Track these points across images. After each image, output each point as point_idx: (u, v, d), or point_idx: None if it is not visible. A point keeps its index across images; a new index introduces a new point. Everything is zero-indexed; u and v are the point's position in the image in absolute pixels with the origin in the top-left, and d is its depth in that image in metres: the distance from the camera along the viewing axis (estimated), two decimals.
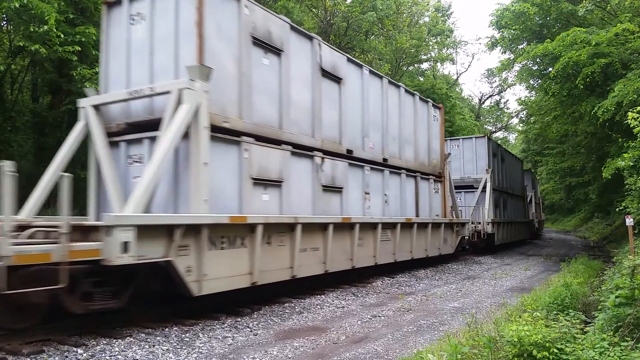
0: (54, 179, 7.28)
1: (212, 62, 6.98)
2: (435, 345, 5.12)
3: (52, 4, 11.60)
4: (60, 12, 12.15)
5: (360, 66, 11.16)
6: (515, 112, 48.93)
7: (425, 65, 35.60)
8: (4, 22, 15.54)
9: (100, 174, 7.52)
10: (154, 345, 5.38)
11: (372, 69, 11.81)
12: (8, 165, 4.86)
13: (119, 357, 4.96)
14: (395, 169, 12.29)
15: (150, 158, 6.59)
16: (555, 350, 3.93)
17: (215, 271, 6.58)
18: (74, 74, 12.48)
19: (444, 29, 34.70)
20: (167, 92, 6.68)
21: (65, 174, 5.26)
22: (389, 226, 11.43)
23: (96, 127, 7.48)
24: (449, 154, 16.56)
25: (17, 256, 4.78)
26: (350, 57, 10.87)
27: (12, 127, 15.18)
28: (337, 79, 10.09)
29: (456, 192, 19.66)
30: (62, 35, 11.88)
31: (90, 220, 7.31)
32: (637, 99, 12.12)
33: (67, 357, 4.85)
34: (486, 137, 20.52)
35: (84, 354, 4.92)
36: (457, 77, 47.19)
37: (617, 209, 12.44)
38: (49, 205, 9.75)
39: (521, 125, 44.13)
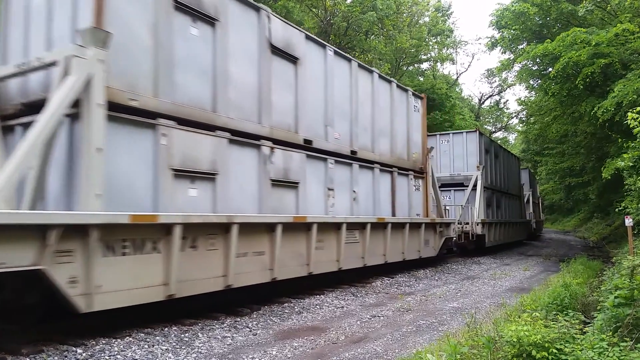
0: None
1: (117, 28, 5.83)
2: (435, 346, 5.13)
3: None
4: None
5: (324, 46, 9.82)
6: (515, 113, 48.95)
7: (425, 65, 35.69)
8: None
9: None
10: (153, 345, 5.38)
11: (338, 49, 10.45)
12: None
13: (118, 356, 4.96)
14: (367, 163, 11.07)
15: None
16: (555, 351, 3.94)
17: (115, 282, 5.40)
18: None
19: (444, 28, 34.74)
20: (54, 63, 5.55)
21: None
22: (357, 227, 10.13)
23: None
24: (432, 147, 15.45)
25: None
26: (311, 35, 9.53)
27: None
28: (292, 59, 8.78)
29: (446, 190, 18.72)
30: None
31: None
32: (636, 99, 12.12)
33: (66, 356, 4.85)
34: (477, 131, 19.29)
35: (83, 354, 4.92)
36: (457, 77, 47.24)
37: (616, 210, 12.44)
38: None
39: (521, 125, 44.13)
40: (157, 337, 5.67)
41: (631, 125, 8.38)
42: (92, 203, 5.33)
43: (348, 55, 10.87)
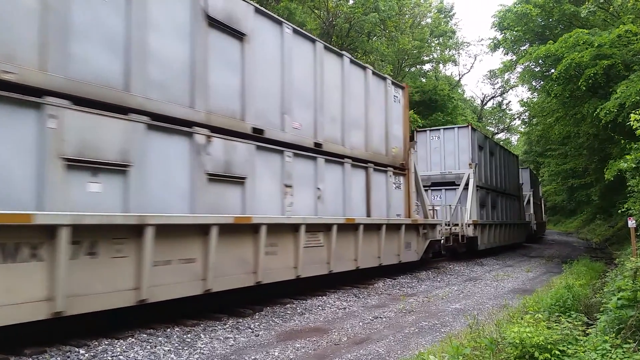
0: None
1: None
2: (437, 347, 5.13)
3: None
4: None
5: (280, 23, 8.48)
6: (517, 114, 48.96)
7: (427, 67, 35.78)
8: None
9: None
10: (155, 346, 5.39)
11: (297, 28, 9.01)
12: None
13: (121, 357, 4.97)
14: (336, 157, 9.71)
15: None
16: (557, 352, 3.94)
17: None
18: None
19: (447, 30, 34.82)
20: None
21: None
22: (322, 228, 8.96)
23: None
24: (415, 142, 14.36)
25: None
26: (262, 8, 8.20)
27: None
28: (237, 34, 7.50)
29: (436, 189, 17.80)
30: None
31: None
32: (639, 101, 12.10)
33: (69, 357, 4.86)
34: (469, 126, 18.11)
35: (86, 354, 4.93)
36: (460, 79, 47.28)
37: (619, 211, 12.40)
38: None
39: (523, 126, 44.14)
40: (160, 338, 5.69)
41: (634, 127, 8.35)
42: None
43: (311, 36, 9.52)
